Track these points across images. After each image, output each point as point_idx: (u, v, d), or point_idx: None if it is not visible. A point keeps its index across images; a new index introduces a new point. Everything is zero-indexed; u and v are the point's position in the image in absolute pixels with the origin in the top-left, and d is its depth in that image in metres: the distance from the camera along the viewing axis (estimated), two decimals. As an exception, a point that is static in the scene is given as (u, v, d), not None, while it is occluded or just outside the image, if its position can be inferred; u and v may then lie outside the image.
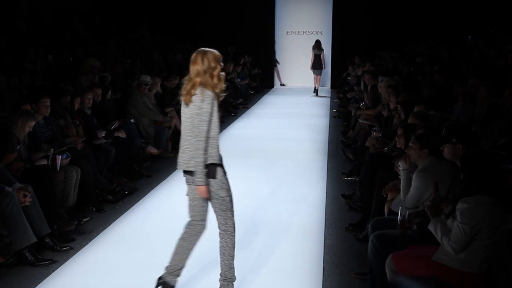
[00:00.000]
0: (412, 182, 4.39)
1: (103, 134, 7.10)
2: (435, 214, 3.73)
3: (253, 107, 15.13)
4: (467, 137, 4.27)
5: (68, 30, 12.74)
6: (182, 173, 4.14)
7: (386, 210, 4.94)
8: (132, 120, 8.26)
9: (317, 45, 17.42)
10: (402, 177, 4.57)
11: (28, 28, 11.85)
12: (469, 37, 14.44)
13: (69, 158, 6.05)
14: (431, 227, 3.70)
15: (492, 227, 3.47)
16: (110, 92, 8.31)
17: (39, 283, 4.62)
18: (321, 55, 17.47)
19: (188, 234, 4.22)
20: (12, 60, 9.24)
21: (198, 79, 3.95)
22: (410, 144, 4.56)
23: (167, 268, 4.27)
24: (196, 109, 3.93)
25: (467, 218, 3.45)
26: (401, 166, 4.58)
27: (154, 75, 9.43)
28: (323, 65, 17.51)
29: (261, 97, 17.01)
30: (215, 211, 4.17)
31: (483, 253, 3.54)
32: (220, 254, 4.21)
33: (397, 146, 5.45)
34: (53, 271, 4.84)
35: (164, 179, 7.73)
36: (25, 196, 4.93)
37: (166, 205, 6.64)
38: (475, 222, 3.44)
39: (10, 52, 9.58)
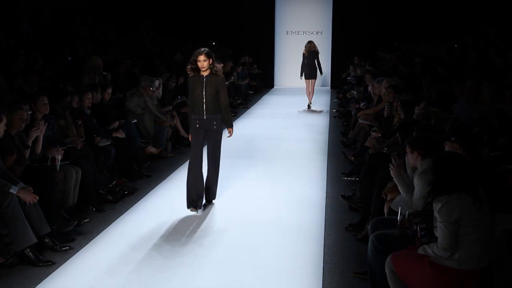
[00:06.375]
0: (415, 185, 4.37)
1: (99, 141, 7.10)
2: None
3: (253, 107, 15.13)
4: (465, 138, 4.36)
5: (69, 30, 12.71)
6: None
7: (386, 210, 4.93)
8: (134, 121, 8.26)
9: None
10: (398, 183, 4.54)
11: (29, 28, 11.81)
12: (471, 37, 14.43)
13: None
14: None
15: (473, 220, 3.53)
16: (110, 93, 8.27)
17: (39, 283, 4.62)
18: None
19: None
20: (12, 60, 9.20)
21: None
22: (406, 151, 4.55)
23: None
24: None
25: (444, 216, 3.55)
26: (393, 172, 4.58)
27: (156, 77, 9.44)
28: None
29: (261, 97, 17.01)
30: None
31: (476, 248, 3.58)
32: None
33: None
34: (53, 271, 4.84)
35: (164, 179, 7.73)
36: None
37: (166, 205, 6.64)
38: (454, 217, 3.54)
39: (10, 52, 9.55)
